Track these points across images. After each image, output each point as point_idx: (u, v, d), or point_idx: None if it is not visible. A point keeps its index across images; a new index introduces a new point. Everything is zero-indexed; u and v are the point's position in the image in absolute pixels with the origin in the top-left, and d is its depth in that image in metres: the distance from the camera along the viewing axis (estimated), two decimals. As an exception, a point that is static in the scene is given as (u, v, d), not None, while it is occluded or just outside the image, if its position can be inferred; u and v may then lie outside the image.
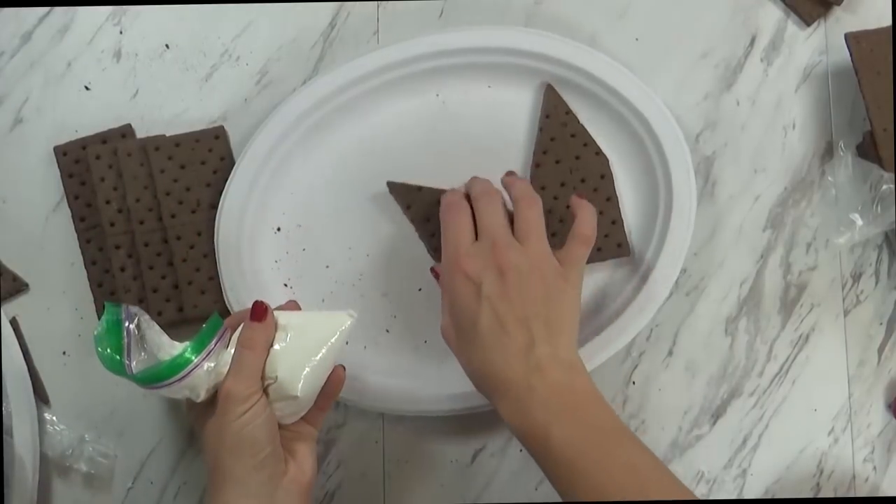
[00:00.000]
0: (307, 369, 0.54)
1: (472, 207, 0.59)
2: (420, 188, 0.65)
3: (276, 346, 0.55)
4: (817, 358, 0.67)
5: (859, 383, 0.67)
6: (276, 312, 0.56)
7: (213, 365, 0.54)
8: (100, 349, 0.53)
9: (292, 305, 0.59)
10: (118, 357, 0.53)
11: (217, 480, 0.53)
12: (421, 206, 0.65)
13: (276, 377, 0.54)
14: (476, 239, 0.57)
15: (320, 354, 0.55)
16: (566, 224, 0.66)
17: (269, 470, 0.53)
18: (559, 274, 0.56)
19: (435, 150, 0.67)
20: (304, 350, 0.55)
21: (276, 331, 0.56)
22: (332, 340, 0.55)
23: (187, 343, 0.54)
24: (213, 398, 0.54)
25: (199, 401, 0.54)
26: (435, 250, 0.65)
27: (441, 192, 0.64)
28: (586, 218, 0.58)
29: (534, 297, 0.54)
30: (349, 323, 0.55)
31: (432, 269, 0.64)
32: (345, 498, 0.66)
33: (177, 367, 0.53)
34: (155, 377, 0.52)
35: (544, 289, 0.55)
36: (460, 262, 0.55)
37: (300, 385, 0.54)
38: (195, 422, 0.56)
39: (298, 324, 0.56)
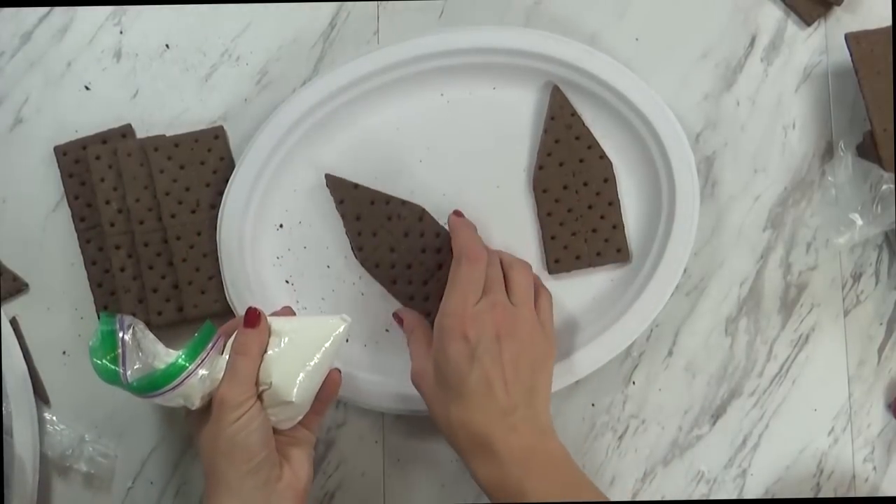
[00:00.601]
0: (302, 375, 0.55)
1: None
2: (356, 186, 0.65)
3: (270, 352, 0.55)
4: (817, 358, 0.67)
5: (859, 383, 0.67)
6: (269, 318, 0.57)
7: (206, 372, 0.54)
8: (95, 359, 0.53)
9: (287, 311, 0.60)
10: (113, 367, 0.53)
11: (212, 486, 0.53)
12: (354, 204, 0.65)
13: (271, 383, 0.54)
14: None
15: (315, 359, 0.55)
16: (566, 227, 0.66)
17: (264, 475, 0.53)
18: (546, 341, 0.58)
19: (438, 149, 0.67)
20: (298, 355, 0.55)
21: (269, 337, 0.56)
22: (327, 345, 0.55)
23: (181, 351, 0.54)
24: (209, 405, 0.54)
25: (193, 408, 0.54)
26: (359, 249, 0.65)
27: (375, 193, 0.65)
28: (526, 271, 0.61)
29: (522, 364, 0.56)
30: (343, 328, 0.56)
31: (395, 315, 0.64)
32: (345, 498, 0.66)
33: (170, 375, 0.53)
34: (149, 386, 0.53)
35: (532, 356, 0.57)
36: (465, 323, 0.56)
37: (295, 390, 0.54)
38: (192, 428, 0.56)
39: (292, 329, 0.56)
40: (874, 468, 0.66)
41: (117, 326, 0.54)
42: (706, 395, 0.66)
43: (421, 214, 0.66)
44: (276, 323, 0.57)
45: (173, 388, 0.53)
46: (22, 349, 0.65)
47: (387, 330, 0.66)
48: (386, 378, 0.64)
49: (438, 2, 0.69)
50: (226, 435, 0.53)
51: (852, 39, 0.64)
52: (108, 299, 0.66)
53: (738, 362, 0.67)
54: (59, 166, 0.67)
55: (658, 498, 0.66)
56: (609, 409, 0.66)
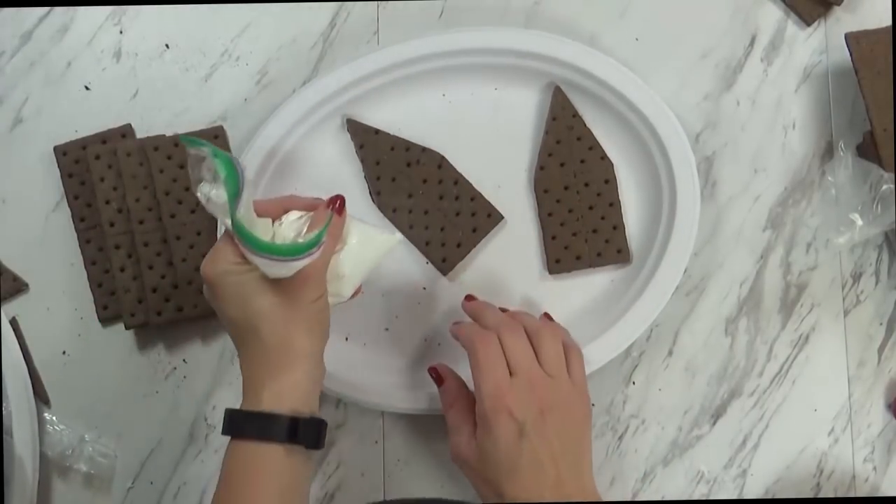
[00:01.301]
0: (358, 276, 0.57)
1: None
2: (378, 131, 0.66)
3: (340, 248, 0.57)
4: (817, 358, 0.67)
5: (859, 383, 0.67)
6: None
7: (308, 263, 0.53)
8: (227, 185, 0.52)
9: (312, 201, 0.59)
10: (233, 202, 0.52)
11: (283, 358, 0.53)
12: (374, 149, 0.66)
13: (343, 275, 0.56)
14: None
15: (369, 266, 0.58)
16: (567, 227, 0.66)
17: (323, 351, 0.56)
18: (583, 405, 0.58)
19: (439, 149, 0.67)
20: (361, 257, 0.57)
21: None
22: (381, 256, 0.58)
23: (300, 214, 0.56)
24: (266, 279, 0.53)
25: (269, 277, 0.54)
26: (377, 193, 0.66)
27: (396, 139, 0.65)
28: (554, 337, 0.59)
29: (567, 436, 0.56)
30: (396, 244, 0.59)
31: (432, 371, 0.62)
32: (345, 498, 0.66)
33: (306, 247, 0.52)
34: (291, 251, 0.52)
35: (575, 427, 0.57)
36: (506, 399, 0.55)
37: (350, 288, 0.57)
38: (256, 296, 0.54)
39: (356, 232, 0.58)
40: (874, 468, 0.66)
41: (236, 167, 0.53)
42: (706, 395, 0.66)
43: (440, 161, 0.66)
44: (347, 221, 0.58)
45: (304, 258, 0.52)
46: (22, 349, 0.65)
47: (386, 329, 0.66)
48: (386, 377, 0.64)
49: (438, 2, 0.69)
50: (309, 310, 0.54)
51: (852, 39, 0.64)
52: (108, 299, 0.66)
53: (738, 362, 0.67)
54: (59, 166, 0.67)
55: (658, 498, 0.66)
56: (609, 409, 0.66)
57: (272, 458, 0.53)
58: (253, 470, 0.53)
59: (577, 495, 0.55)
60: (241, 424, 0.53)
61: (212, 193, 0.53)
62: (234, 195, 0.52)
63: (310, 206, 0.57)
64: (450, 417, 0.59)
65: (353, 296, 0.59)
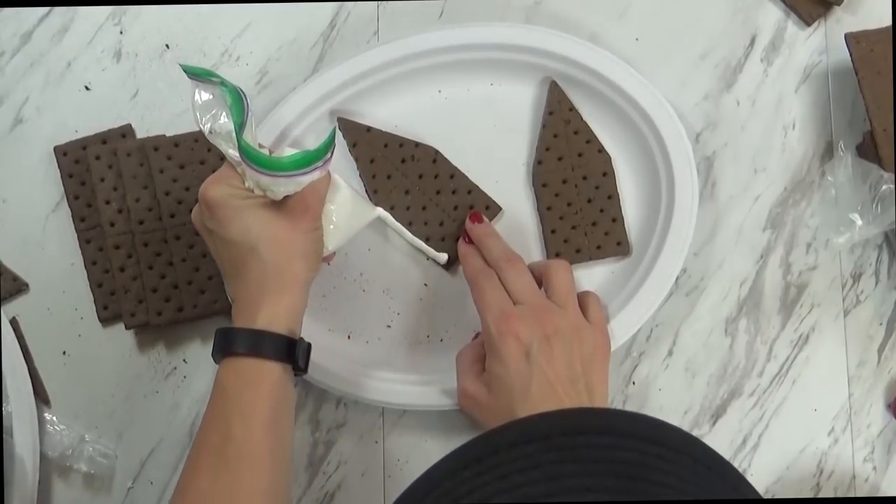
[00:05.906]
0: (343, 231, 0.60)
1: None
2: (369, 129, 0.66)
3: (329, 204, 0.59)
4: (817, 358, 0.67)
5: (859, 383, 0.67)
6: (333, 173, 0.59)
7: (315, 178, 0.55)
8: (234, 117, 0.53)
9: None
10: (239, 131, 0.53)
11: (281, 280, 0.55)
12: (367, 147, 0.66)
13: (332, 224, 0.59)
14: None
15: (353, 227, 0.60)
16: (566, 221, 0.66)
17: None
18: (594, 336, 0.58)
19: (437, 146, 0.67)
20: (348, 216, 0.60)
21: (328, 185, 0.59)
22: (362, 224, 0.61)
23: (297, 150, 0.57)
24: (271, 204, 0.55)
25: (277, 199, 0.55)
26: (374, 192, 0.66)
27: (389, 135, 0.66)
28: (564, 270, 0.61)
29: (576, 363, 0.56)
30: (375, 217, 0.61)
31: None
32: (345, 498, 0.66)
33: (311, 158, 0.54)
34: (302, 162, 0.54)
35: (582, 354, 0.57)
36: (511, 323, 0.56)
37: (335, 241, 0.59)
38: (250, 214, 0.55)
39: (347, 193, 0.60)
40: (874, 468, 0.66)
41: (243, 99, 0.54)
42: (706, 395, 0.66)
43: (434, 156, 0.66)
44: (337, 180, 0.60)
45: (309, 171, 0.54)
46: (22, 349, 0.65)
47: (388, 326, 0.66)
48: (388, 374, 0.64)
49: (438, 2, 0.69)
50: (306, 239, 0.56)
51: (852, 39, 0.64)
52: (108, 299, 0.66)
53: (738, 362, 0.67)
54: (59, 166, 0.67)
55: (658, 498, 0.66)
56: (609, 409, 0.66)
57: (268, 372, 0.54)
58: (249, 381, 0.53)
59: None
60: (239, 341, 0.54)
61: (216, 124, 0.54)
62: (240, 122, 0.53)
63: None
64: (459, 360, 0.61)
65: (328, 258, 0.61)
